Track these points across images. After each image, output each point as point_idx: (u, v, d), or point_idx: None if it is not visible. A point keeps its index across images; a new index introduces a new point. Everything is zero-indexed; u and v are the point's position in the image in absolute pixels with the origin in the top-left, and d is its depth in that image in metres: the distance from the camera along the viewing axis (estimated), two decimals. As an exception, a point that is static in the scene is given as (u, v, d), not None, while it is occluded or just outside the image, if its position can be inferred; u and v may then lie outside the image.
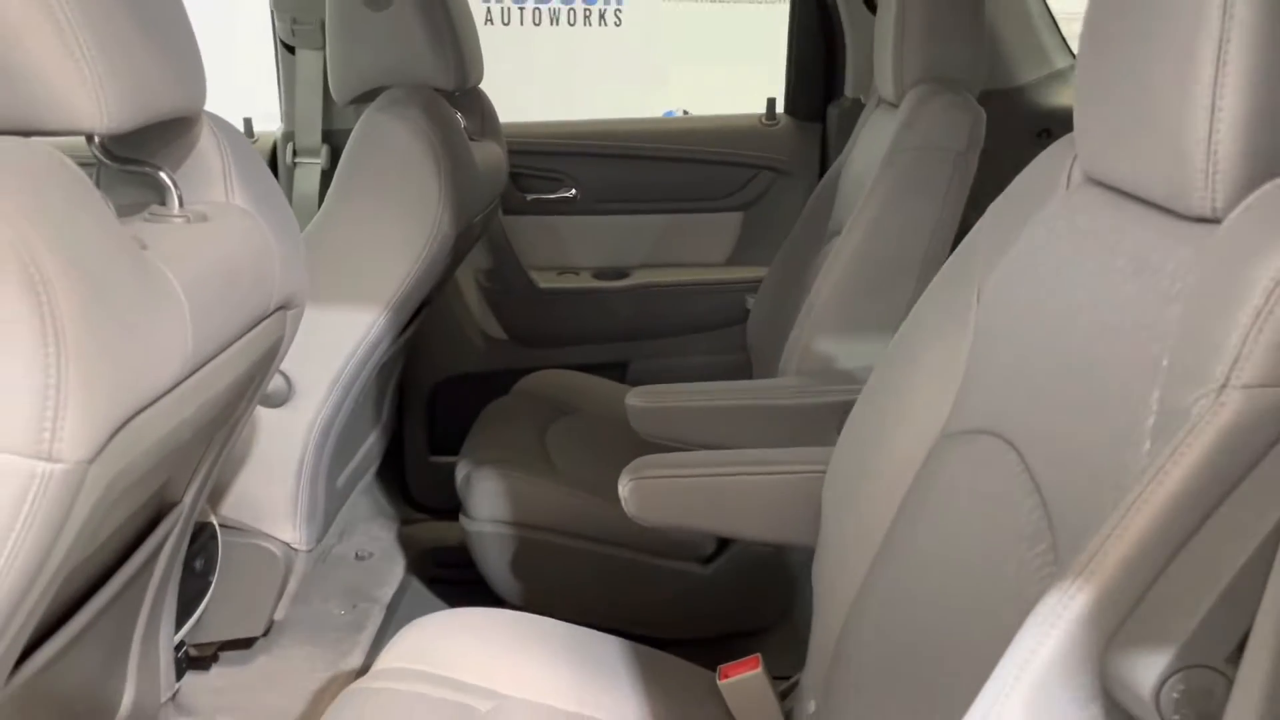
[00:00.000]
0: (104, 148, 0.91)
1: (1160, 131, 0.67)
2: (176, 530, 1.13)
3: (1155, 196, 0.71)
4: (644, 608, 1.66)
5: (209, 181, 0.97)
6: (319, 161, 2.05)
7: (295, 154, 2.06)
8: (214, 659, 1.76)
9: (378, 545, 2.18)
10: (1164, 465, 0.59)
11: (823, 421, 1.45)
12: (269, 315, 1.02)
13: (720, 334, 2.22)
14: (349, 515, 2.23)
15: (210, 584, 1.55)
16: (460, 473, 1.74)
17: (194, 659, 1.72)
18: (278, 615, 1.71)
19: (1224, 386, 0.58)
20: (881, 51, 1.63)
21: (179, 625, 1.43)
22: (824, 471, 1.16)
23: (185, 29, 0.90)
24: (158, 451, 0.83)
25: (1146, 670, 0.58)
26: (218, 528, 1.57)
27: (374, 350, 1.57)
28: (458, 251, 1.70)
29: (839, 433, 1.40)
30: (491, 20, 5.16)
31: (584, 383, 2.07)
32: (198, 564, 1.51)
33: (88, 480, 0.71)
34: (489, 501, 1.67)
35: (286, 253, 1.02)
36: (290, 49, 2.02)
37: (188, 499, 1.12)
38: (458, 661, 1.14)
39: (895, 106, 1.60)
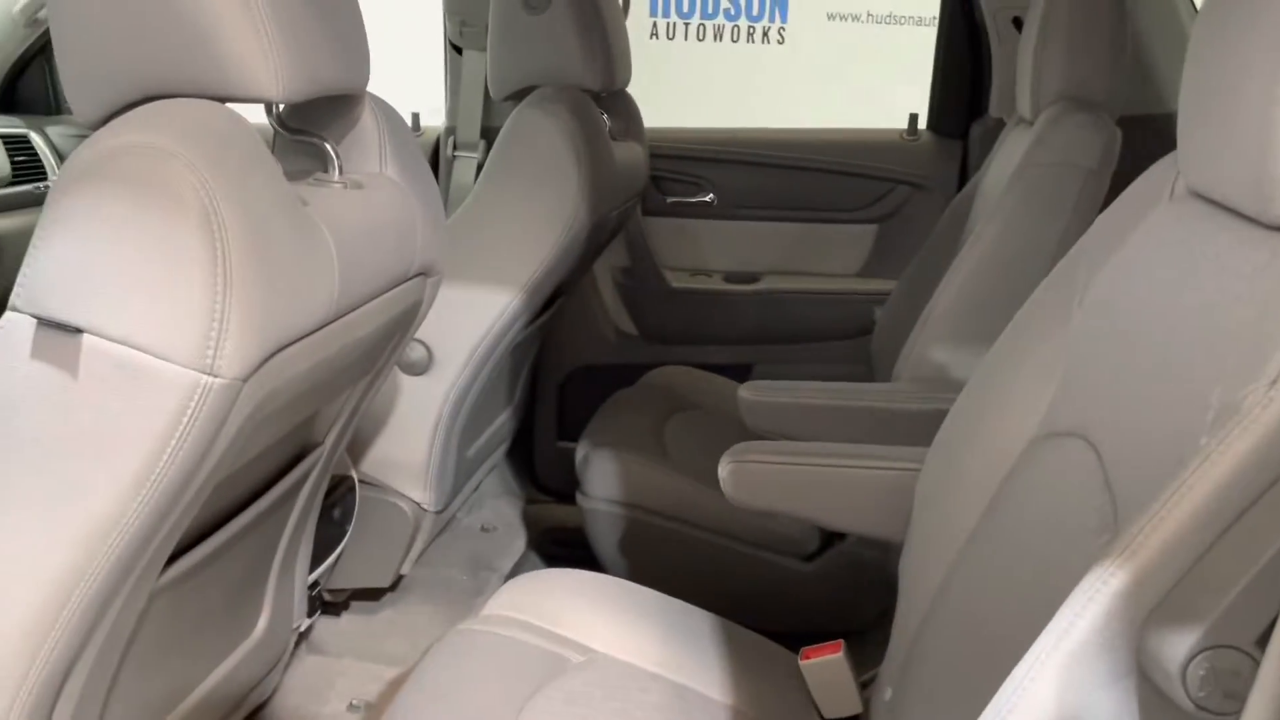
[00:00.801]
0: (279, 119, 1.04)
1: (1248, 146, 0.69)
2: (316, 470, 1.26)
3: (1243, 207, 0.73)
4: (743, 597, 1.71)
5: (366, 154, 1.09)
6: (476, 155, 2.19)
7: (455, 147, 2.20)
8: (345, 606, 1.90)
9: (502, 520, 2.30)
10: (1210, 454, 0.61)
11: (929, 427, 1.47)
12: (409, 279, 1.13)
13: (845, 345, 2.25)
14: (478, 490, 2.36)
15: (346, 532, 1.69)
16: (580, 453, 1.83)
17: (327, 603, 1.87)
18: (404, 570, 1.83)
19: (1275, 382, 0.60)
20: (1022, 69, 1.64)
21: (314, 566, 1.57)
22: (918, 469, 1.19)
23: (355, 15, 1.01)
24: (303, 383, 0.94)
25: (1175, 647, 0.60)
26: (356, 481, 1.71)
27: (509, 329, 1.68)
28: (593, 243, 1.80)
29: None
30: (656, 35, 5.29)
31: (707, 381, 2.13)
32: (336, 512, 1.65)
33: (241, 396, 0.83)
34: (604, 481, 1.75)
35: (428, 224, 1.13)
36: (458, 49, 2.17)
37: (328, 441, 1.25)
38: (557, 615, 1.23)
39: (1032, 124, 1.61)
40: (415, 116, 2.36)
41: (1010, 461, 0.98)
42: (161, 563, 0.92)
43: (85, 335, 0.77)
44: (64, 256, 0.77)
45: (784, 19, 5.43)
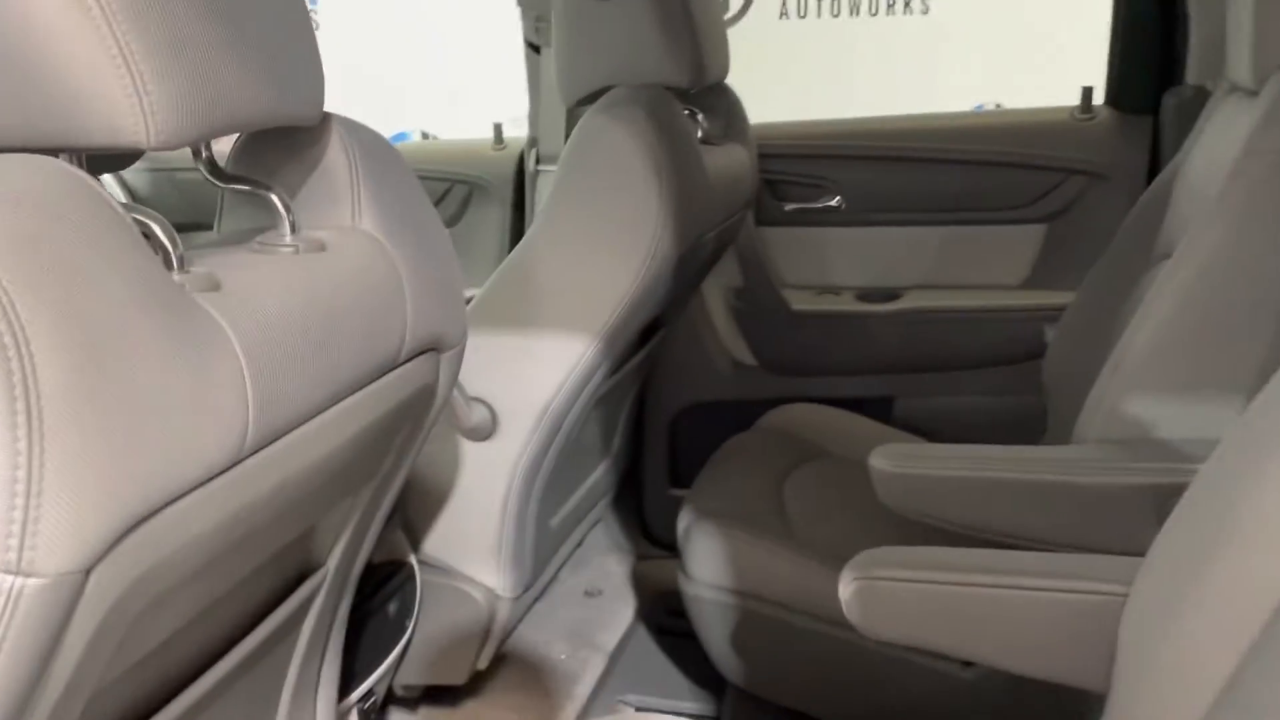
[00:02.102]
0: (211, 163, 0.77)
1: None
2: (321, 597, 1.00)
3: None
4: (888, 709, 1.37)
5: (336, 202, 0.81)
6: (560, 169, 1.91)
7: (539, 160, 1.93)
8: (422, 699, 1.66)
9: (609, 582, 2.02)
10: None
11: (1130, 510, 1.10)
12: (403, 362, 0.85)
13: (1010, 371, 1.85)
14: (582, 546, 2.09)
15: (407, 629, 1.44)
16: (681, 523, 1.52)
17: (400, 699, 1.63)
18: (481, 665, 1.57)
19: None
20: (1237, 24, 1.23)
21: (363, 678, 1.32)
22: (1124, 594, 0.84)
23: (294, 20, 0.73)
24: (215, 541, 0.67)
25: None
26: (416, 567, 1.46)
27: (585, 382, 1.39)
28: (685, 272, 1.48)
29: (1154, 528, 1.05)
30: (786, 14, 4.95)
31: (839, 421, 1.79)
32: (391, 608, 1.40)
33: (89, 590, 0.56)
34: (709, 563, 1.44)
35: (425, 287, 0.85)
36: (535, 48, 1.89)
37: (332, 563, 0.98)
38: None
39: (1254, 95, 1.21)
40: (498, 128, 2.10)
41: None
42: None
43: None
44: None
45: (924, -14, 5.00)
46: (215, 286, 0.66)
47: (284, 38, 0.72)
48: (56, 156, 0.60)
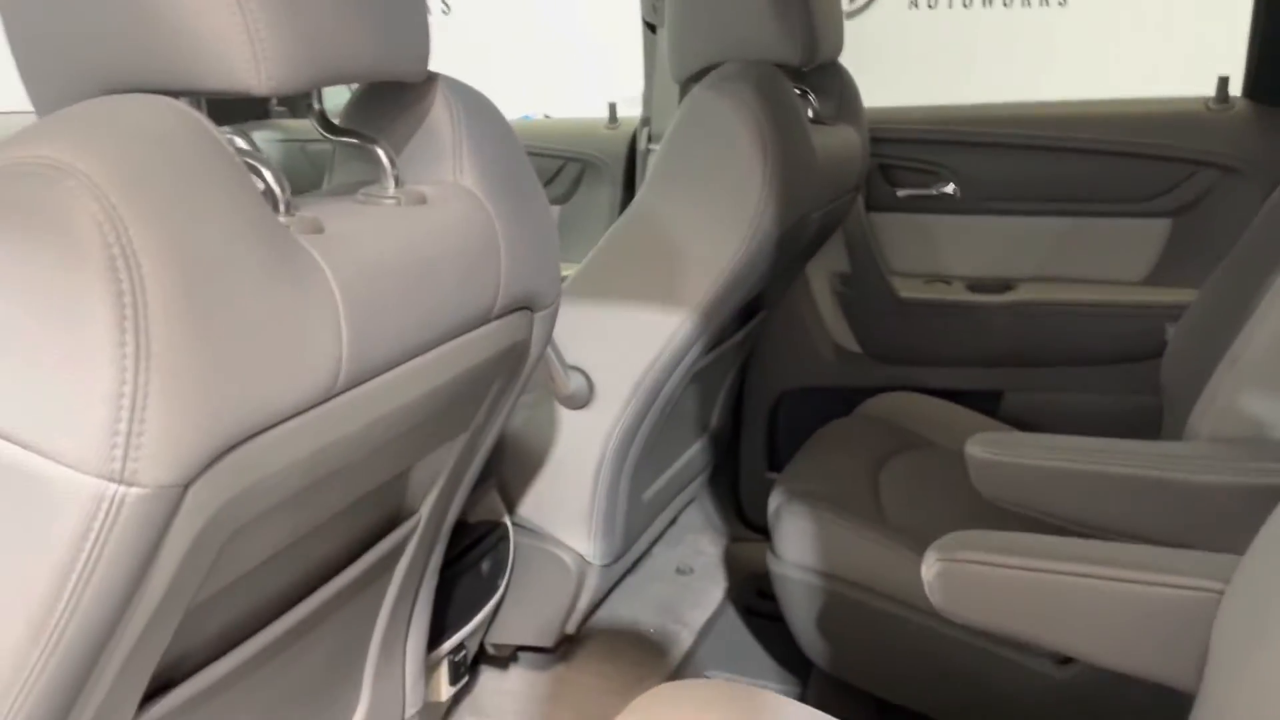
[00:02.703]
0: (322, 117, 0.81)
1: None
2: (414, 543, 1.04)
3: None
4: (974, 703, 1.34)
5: (439, 158, 0.84)
6: (673, 148, 1.92)
7: (651, 140, 1.94)
8: (513, 659, 1.71)
9: (700, 561, 2.03)
10: None
11: (1238, 512, 1.06)
12: (496, 317, 0.88)
13: (1127, 369, 1.78)
14: (676, 524, 2.10)
15: (499, 587, 1.48)
16: (772, 503, 1.52)
17: (492, 657, 1.68)
18: (570, 629, 1.60)
19: None
20: None
21: (460, 625, 1.36)
22: (1220, 591, 0.81)
23: None
24: (309, 472, 0.71)
25: None
26: (511, 529, 1.49)
27: (681, 356, 1.40)
28: (789, 250, 1.48)
29: (1257, 530, 1.01)
30: (916, 4, 4.85)
31: (942, 412, 1.75)
32: (485, 565, 1.44)
33: (186, 504, 0.60)
34: (796, 543, 1.44)
35: (522, 246, 0.87)
36: (652, 27, 1.90)
37: (425, 511, 1.02)
38: None
39: None
40: (612, 107, 2.12)
41: None
42: (131, 703, 0.71)
43: None
44: None
45: (1065, -23, 4.83)
46: (318, 229, 0.69)
47: (394, 1, 0.75)
48: (177, 99, 0.65)
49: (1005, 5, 4.84)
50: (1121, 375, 1.80)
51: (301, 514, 0.76)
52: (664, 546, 2.06)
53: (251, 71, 0.63)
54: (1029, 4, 4.82)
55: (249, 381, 0.61)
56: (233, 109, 2.26)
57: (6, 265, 0.54)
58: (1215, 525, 1.07)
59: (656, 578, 1.98)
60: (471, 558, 1.40)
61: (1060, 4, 4.81)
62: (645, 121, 1.97)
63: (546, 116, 3.88)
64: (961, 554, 0.94)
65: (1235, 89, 1.80)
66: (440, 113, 0.84)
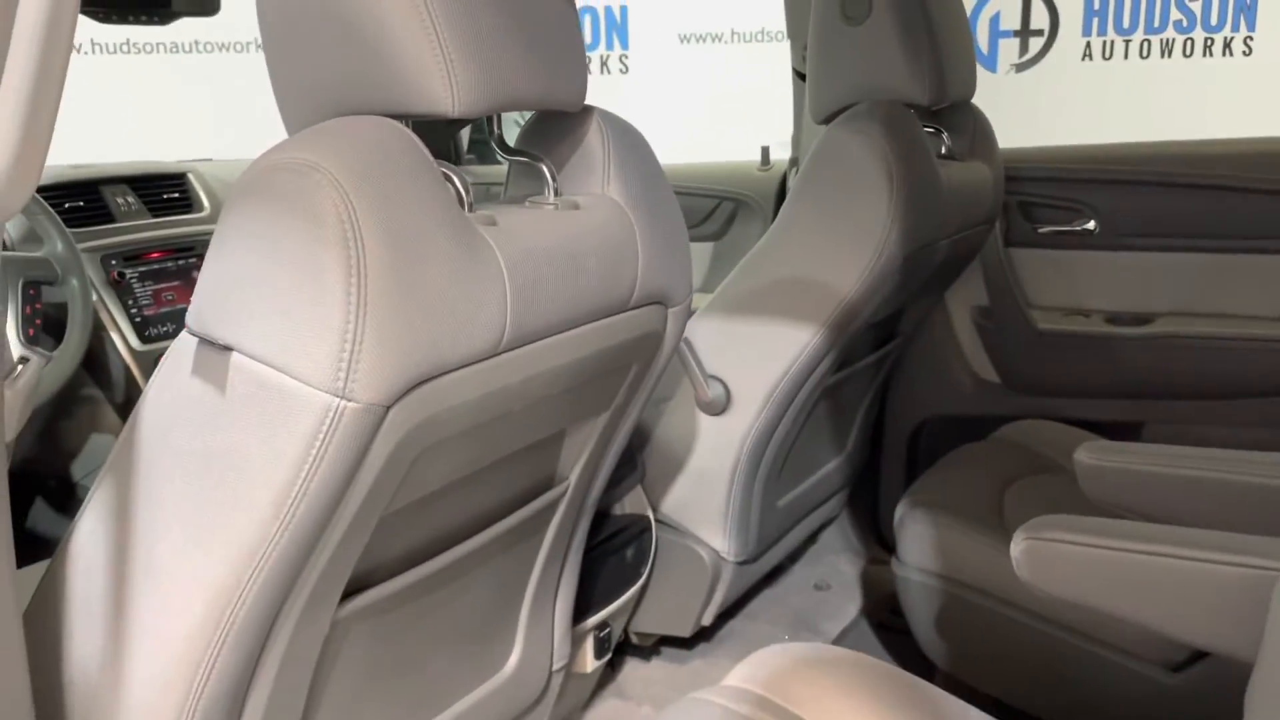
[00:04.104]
0: (499, 140, 1.00)
1: None
2: (562, 508, 1.21)
3: None
4: (1085, 708, 1.40)
5: (591, 174, 1.02)
6: (820, 188, 2.06)
7: (798, 178, 2.09)
8: (656, 650, 1.85)
9: (838, 579, 2.12)
10: None
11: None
12: (632, 307, 1.04)
13: (1270, 403, 1.79)
14: (817, 544, 2.20)
15: (642, 575, 1.63)
16: (899, 512, 1.62)
17: (636, 646, 1.83)
18: (706, 621, 1.74)
19: None
20: None
21: (600, 607, 1.52)
22: (1278, 569, 0.88)
23: (566, 29, 0.95)
24: (476, 413, 0.89)
25: None
26: (653, 523, 1.65)
27: (810, 369, 1.53)
28: (916, 275, 1.59)
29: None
30: (1090, 55, 4.81)
31: (1077, 439, 1.80)
32: (629, 552, 1.60)
33: (387, 423, 0.79)
34: (920, 546, 1.53)
35: (656, 248, 1.04)
36: (801, 76, 2.06)
37: (573, 479, 1.19)
38: (802, 695, 1.06)
39: None
40: (765, 150, 2.29)
41: None
42: (336, 592, 0.90)
43: (234, 353, 0.77)
44: (219, 274, 0.78)
45: (1251, 27, 4.70)
46: (493, 223, 0.88)
47: (557, 36, 0.94)
48: (393, 120, 0.85)
49: (1186, 55, 4.74)
50: (1264, 409, 1.80)
51: (473, 449, 0.95)
52: (803, 563, 2.17)
53: (447, 97, 0.83)
54: (1210, 54, 4.72)
55: (435, 332, 0.79)
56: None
57: (271, 236, 0.75)
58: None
59: (795, 591, 2.08)
60: (616, 544, 1.56)
61: (1245, 54, 4.68)
62: (794, 163, 2.12)
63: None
64: (1046, 533, 1.04)
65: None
66: (594, 138, 1.02)
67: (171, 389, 0.81)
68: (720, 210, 2.31)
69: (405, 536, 0.97)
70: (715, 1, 4.67)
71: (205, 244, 0.98)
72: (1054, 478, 1.73)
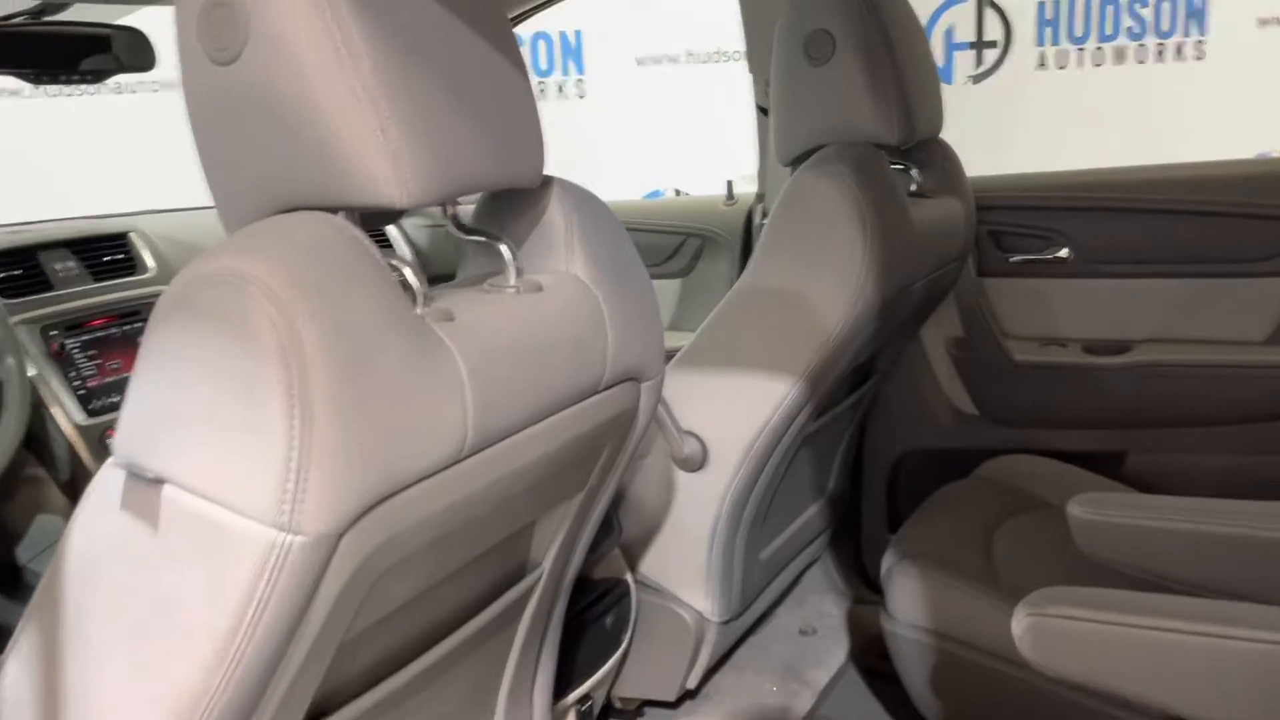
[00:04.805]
0: (454, 219, 0.94)
1: None
2: (538, 594, 1.14)
3: None
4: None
5: (552, 250, 0.96)
6: (786, 223, 2.02)
7: (765, 215, 2.04)
8: (639, 714, 1.78)
9: (823, 622, 2.07)
10: None
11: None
12: (605, 388, 0.98)
13: (1250, 430, 1.76)
14: (800, 585, 2.15)
15: (622, 642, 1.57)
16: (885, 563, 1.57)
17: (618, 711, 1.76)
18: (690, 684, 1.67)
19: None
20: None
21: (581, 680, 1.45)
22: None
23: (520, 101, 0.89)
24: (441, 525, 0.82)
25: None
26: (633, 586, 1.58)
27: (790, 421, 1.48)
28: (892, 319, 1.54)
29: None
30: (1045, 65, 4.83)
31: (1061, 474, 1.77)
32: (609, 619, 1.53)
33: (340, 552, 0.72)
34: (910, 603, 1.48)
35: (627, 324, 0.98)
36: (764, 111, 2.02)
37: (547, 565, 1.13)
38: None
39: None
40: (729, 185, 2.24)
41: None
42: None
43: (165, 486, 0.70)
44: (145, 399, 0.71)
45: (1203, 32, 4.74)
46: (449, 318, 0.81)
47: (511, 110, 0.88)
48: (336, 213, 0.78)
49: (1139, 62, 4.77)
50: (1246, 435, 1.77)
51: (437, 562, 0.88)
52: (788, 607, 2.11)
53: (395, 188, 0.77)
54: (1163, 59, 4.75)
55: (390, 448, 0.73)
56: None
57: (203, 357, 0.68)
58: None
59: (780, 638, 2.02)
60: (595, 612, 1.50)
61: (1198, 59, 4.72)
62: (760, 198, 2.08)
63: (677, 192, 4.03)
64: (1051, 609, 0.99)
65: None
66: (555, 212, 0.96)
67: (98, 526, 0.74)
68: (686, 247, 2.26)
69: (368, 655, 0.91)
70: (669, 24, 4.64)
71: (150, 307, 0.91)
72: (1040, 517, 1.68)
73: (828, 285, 1.41)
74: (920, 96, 1.54)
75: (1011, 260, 1.94)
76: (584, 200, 0.99)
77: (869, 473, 2.08)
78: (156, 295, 0.75)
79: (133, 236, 1.90)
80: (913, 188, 1.64)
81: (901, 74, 1.49)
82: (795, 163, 1.58)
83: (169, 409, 0.70)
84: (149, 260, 1.88)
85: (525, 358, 0.86)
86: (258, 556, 0.68)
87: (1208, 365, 1.81)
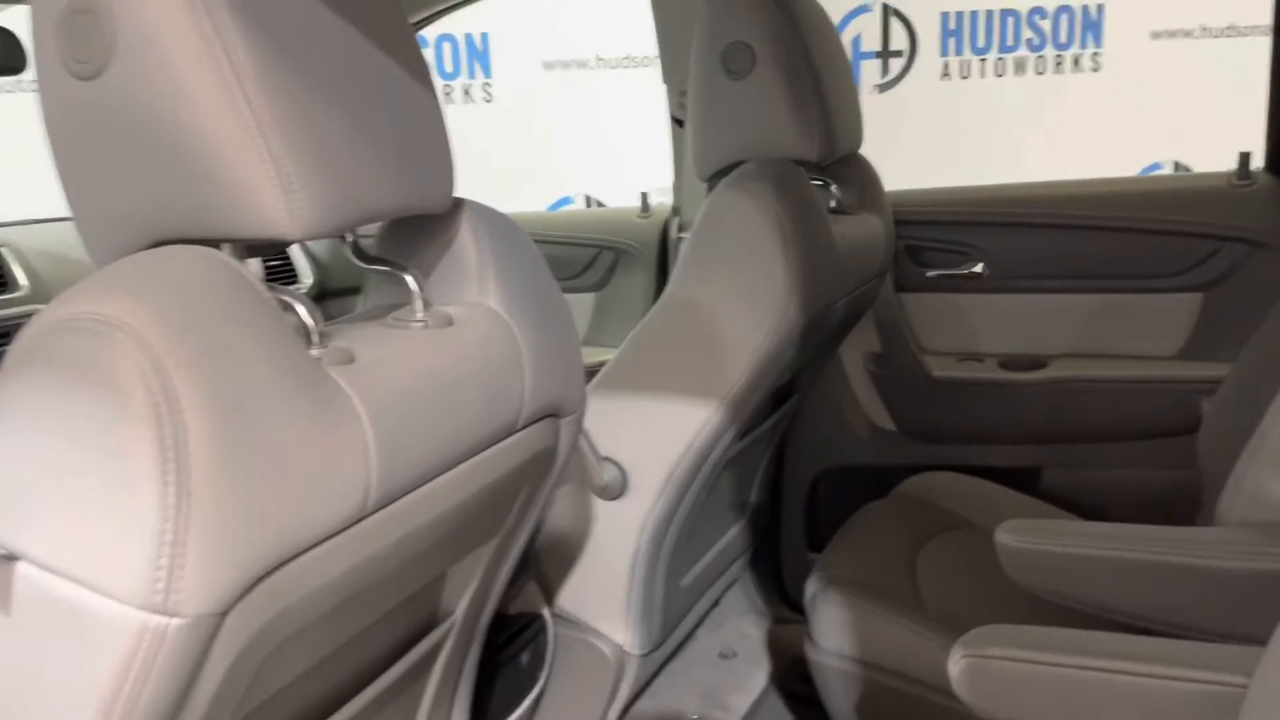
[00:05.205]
0: (356, 248, 0.86)
1: None
2: (450, 644, 1.06)
3: None
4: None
5: (463, 279, 0.89)
6: (703, 236, 1.97)
7: (681, 229, 2.00)
8: (557, 752, 1.71)
9: (744, 644, 2.02)
10: None
11: (1267, 598, 1.05)
12: (522, 427, 0.91)
13: (1164, 444, 1.78)
14: (719, 607, 2.10)
15: (538, 679, 1.49)
16: (809, 590, 1.53)
17: (536, 750, 1.69)
18: (611, 718, 1.61)
19: None
20: None
21: (502, 717, 1.38)
22: (1244, 685, 0.81)
23: (429, 121, 0.82)
24: (342, 590, 0.74)
25: None
26: (550, 620, 1.51)
27: (712, 445, 1.43)
28: (814, 339, 1.51)
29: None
30: (949, 74, 4.90)
31: (980, 491, 1.75)
32: (524, 658, 1.46)
33: (224, 632, 0.64)
34: (834, 632, 1.44)
35: (543, 359, 0.91)
36: (679, 122, 1.97)
37: (459, 613, 1.05)
38: None
39: None
40: (644, 196, 2.19)
41: None
42: None
43: (19, 563, 0.61)
44: None
45: (1098, 43, 4.87)
46: (349, 360, 0.73)
47: (417, 136, 0.80)
48: (218, 246, 0.70)
49: (1039, 73, 4.88)
50: (1159, 450, 1.79)
51: (336, 629, 0.80)
52: (707, 630, 2.06)
53: (286, 219, 0.68)
54: (1061, 70, 4.86)
55: (282, 512, 0.64)
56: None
57: (62, 415, 0.59)
58: (1249, 611, 1.06)
59: (700, 662, 1.97)
60: (511, 651, 1.42)
61: (1094, 70, 4.85)
62: (676, 211, 2.03)
63: (588, 198, 3.97)
64: (989, 650, 0.95)
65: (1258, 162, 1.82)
66: (466, 238, 0.89)
67: None
68: (601, 260, 2.20)
69: (295, 700, 0.82)
70: (579, 28, 4.57)
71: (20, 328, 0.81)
72: (961, 535, 1.67)
73: (750, 306, 1.36)
74: (841, 111, 1.50)
75: (928, 275, 1.93)
76: (496, 224, 0.92)
77: (788, 491, 2.05)
78: (30, 315, 0.66)
79: (3, 253, 1.75)
80: (832, 204, 1.61)
81: (822, 88, 1.45)
82: (714, 178, 1.53)
83: (22, 475, 0.60)
84: (21, 277, 1.74)
85: (435, 400, 0.78)
86: (128, 642, 0.59)
87: (1121, 380, 1.82)
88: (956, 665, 0.96)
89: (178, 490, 0.59)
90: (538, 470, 0.99)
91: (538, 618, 1.49)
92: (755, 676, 1.92)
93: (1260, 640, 1.04)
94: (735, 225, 1.37)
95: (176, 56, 0.66)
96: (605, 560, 1.50)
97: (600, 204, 4.33)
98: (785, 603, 2.10)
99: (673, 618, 1.64)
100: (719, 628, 2.08)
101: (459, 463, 0.83)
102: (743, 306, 1.36)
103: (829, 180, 1.62)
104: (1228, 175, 1.81)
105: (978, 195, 1.94)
